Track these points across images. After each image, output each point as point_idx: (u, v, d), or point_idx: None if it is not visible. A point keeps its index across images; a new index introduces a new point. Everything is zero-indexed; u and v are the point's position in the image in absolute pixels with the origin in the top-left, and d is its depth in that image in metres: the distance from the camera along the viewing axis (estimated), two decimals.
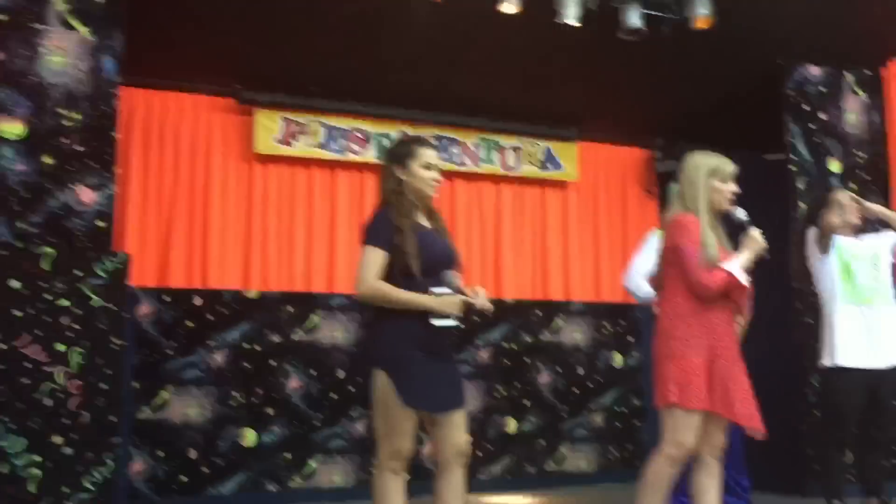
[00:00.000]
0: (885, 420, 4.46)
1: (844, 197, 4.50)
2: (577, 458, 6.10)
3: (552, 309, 6.26)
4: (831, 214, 4.43)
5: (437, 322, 2.91)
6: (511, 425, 5.97)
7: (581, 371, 6.25)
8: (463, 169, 6.19)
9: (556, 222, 6.52)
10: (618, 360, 6.34)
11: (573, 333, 6.28)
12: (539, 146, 6.41)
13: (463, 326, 3.02)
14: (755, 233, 3.27)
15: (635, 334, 6.35)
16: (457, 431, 3.10)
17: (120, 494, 4.77)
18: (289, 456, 5.28)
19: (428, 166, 3.02)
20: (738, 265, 3.22)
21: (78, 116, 3.94)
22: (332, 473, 5.36)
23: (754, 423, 3.27)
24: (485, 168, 6.26)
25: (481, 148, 6.25)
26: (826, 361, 4.42)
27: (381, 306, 2.97)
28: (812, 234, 4.47)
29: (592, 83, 5.89)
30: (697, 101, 6.07)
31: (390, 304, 2.93)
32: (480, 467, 5.82)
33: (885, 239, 4.50)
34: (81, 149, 3.92)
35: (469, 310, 3.01)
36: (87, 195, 3.88)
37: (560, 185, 6.55)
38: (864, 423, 4.43)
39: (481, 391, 5.90)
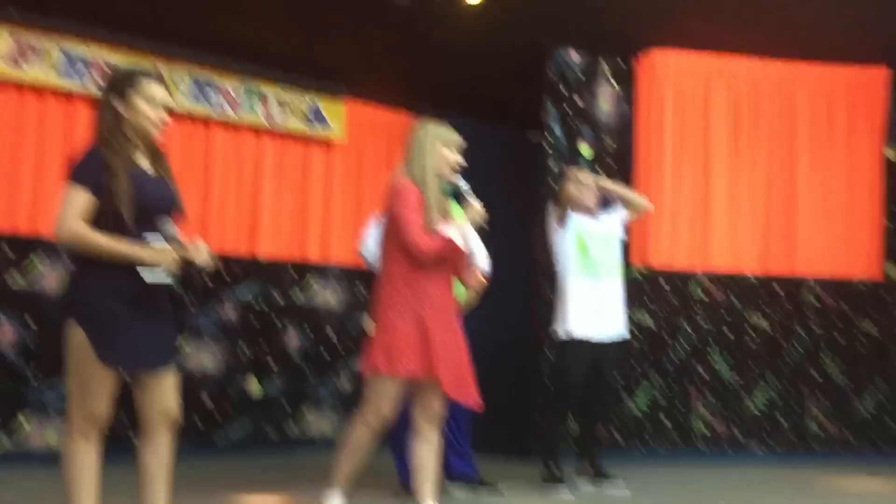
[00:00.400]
0: (605, 392, 4.79)
1: (585, 176, 4.74)
2: (322, 423, 6.02)
3: (307, 270, 6.10)
4: (571, 190, 4.66)
5: (147, 276, 2.65)
6: (254, 387, 5.77)
7: (332, 334, 6.15)
8: (222, 117, 5.82)
9: (318, 182, 6.33)
10: (371, 325, 6.29)
11: (327, 296, 6.17)
12: (305, 101, 6.17)
13: (174, 286, 2.72)
14: (475, 202, 3.38)
15: None
16: (165, 394, 2.87)
17: None
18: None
19: (153, 101, 2.73)
20: (456, 232, 3.28)
21: None
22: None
23: (463, 394, 3.36)
24: (246, 118, 5.93)
25: (243, 95, 5.91)
26: (559, 331, 4.67)
27: (84, 253, 2.67)
28: (551, 208, 4.69)
29: (364, 41, 5.76)
30: (467, 73, 6.11)
31: (93, 252, 2.64)
32: (220, 431, 5.58)
33: (616, 216, 4.81)
34: None
35: (187, 265, 2.73)
36: None
37: (325, 143, 6.37)
38: (587, 393, 4.72)
39: (224, 350, 5.64)
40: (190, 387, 5.43)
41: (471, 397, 3.39)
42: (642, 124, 6.07)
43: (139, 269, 2.65)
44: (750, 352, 5.95)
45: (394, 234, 3.33)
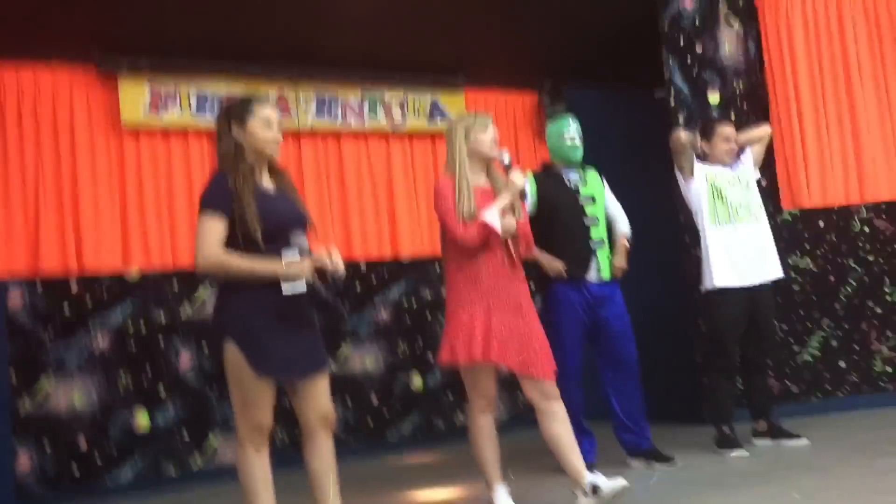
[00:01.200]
0: (764, 341, 4.57)
1: (730, 131, 4.55)
2: None
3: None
4: (714, 145, 4.51)
5: (285, 288, 2.80)
6: (417, 383, 5.93)
7: None
8: (349, 128, 6.02)
9: None
10: None
11: None
12: (425, 97, 6.28)
13: (309, 288, 2.88)
14: (514, 175, 3.37)
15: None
16: (319, 397, 3.01)
17: (7, 494, 4.60)
18: (187, 437, 5.14)
19: (268, 124, 2.88)
20: (493, 212, 3.32)
21: None
22: (234, 451, 5.22)
23: (536, 370, 3.38)
24: (371, 125, 6.10)
25: (365, 104, 6.09)
26: (706, 284, 4.52)
27: (228, 280, 2.83)
28: (675, 161, 4.55)
29: (474, 28, 5.78)
30: (581, 42, 6.02)
31: (235, 276, 2.78)
32: (389, 428, 5.78)
33: (745, 158, 4.62)
34: None
35: (321, 273, 2.89)
36: None
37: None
38: (745, 345, 4.53)
39: (383, 350, 5.83)
40: (357, 388, 5.68)
41: (539, 369, 3.38)
42: (773, 61, 5.75)
43: (280, 284, 2.80)
44: None
45: (443, 230, 3.46)
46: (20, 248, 5.01)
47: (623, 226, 4.44)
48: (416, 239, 6.22)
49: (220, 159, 2.88)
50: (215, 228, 2.76)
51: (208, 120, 5.50)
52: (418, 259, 6.11)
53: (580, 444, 4.09)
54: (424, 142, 6.37)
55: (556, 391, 3.45)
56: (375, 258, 5.99)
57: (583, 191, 4.30)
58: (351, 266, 5.80)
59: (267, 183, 2.94)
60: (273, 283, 2.81)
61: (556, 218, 4.20)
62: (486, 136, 3.45)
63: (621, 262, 4.30)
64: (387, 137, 6.22)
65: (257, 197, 2.82)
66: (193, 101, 5.46)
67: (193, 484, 5.04)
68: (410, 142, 6.32)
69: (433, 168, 6.39)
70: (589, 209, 4.28)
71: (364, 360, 5.77)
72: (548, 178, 4.34)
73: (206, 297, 5.29)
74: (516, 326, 3.38)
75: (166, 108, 5.37)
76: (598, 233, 4.28)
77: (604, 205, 4.37)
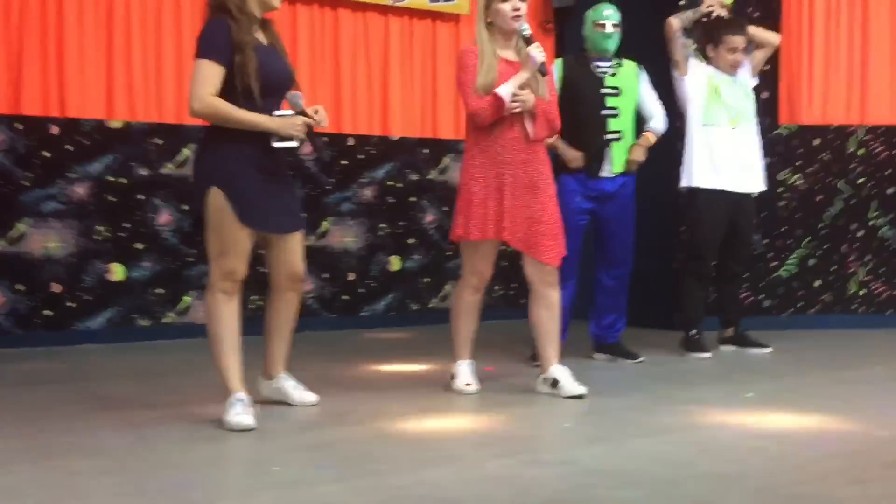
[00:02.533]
0: (741, 249, 4.59)
1: (739, 41, 4.44)
2: None
3: (440, 147, 6.13)
4: (719, 53, 4.42)
5: (277, 144, 2.86)
6: (395, 263, 5.95)
7: None
8: None
9: (447, 58, 6.27)
10: None
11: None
12: None
13: (298, 145, 2.95)
14: (533, 49, 3.25)
15: None
16: (292, 255, 3.10)
17: None
18: (161, 291, 5.17)
19: None
20: (507, 87, 3.24)
21: None
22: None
23: (535, 250, 3.35)
24: None
25: None
26: (687, 183, 4.49)
27: (216, 128, 2.85)
28: (671, 54, 4.47)
29: None
30: None
31: (228, 124, 2.81)
32: (363, 304, 5.83)
33: (745, 66, 4.56)
34: None
35: (310, 131, 2.92)
36: None
37: (452, 17, 6.27)
38: (721, 254, 4.55)
39: (364, 229, 5.82)
40: (334, 263, 5.69)
41: (546, 253, 3.36)
42: None
43: (271, 139, 2.84)
44: None
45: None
46: (1, 86, 4.88)
47: (656, 122, 4.33)
48: (408, 119, 6.11)
49: (224, 3, 2.82)
50: (212, 74, 2.77)
51: None
52: (407, 139, 6.02)
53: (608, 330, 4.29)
54: (424, 21, 6.18)
55: (555, 278, 3.46)
56: (364, 134, 5.89)
57: (609, 81, 4.21)
58: (338, 139, 5.72)
59: (261, 36, 2.93)
60: (260, 138, 2.84)
61: (575, 106, 4.11)
62: (506, 6, 3.28)
63: (638, 154, 4.23)
64: (386, 12, 6.03)
65: (256, 49, 2.81)
66: None
67: (164, 337, 5.09)
68: (410, 20, 6.14)
69: (431, 49, 6.22)
70: (611, 100, 4.19)
71: (344, 236, 5.76)
72: (577, 64, 4.26)
73: (190, 155, 5.22)
74: (528, 205, 3.34)
75: None
76: (615, 124, 4.19)
77: (634, 98, 4.27)
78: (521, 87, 3.27)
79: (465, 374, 3.54)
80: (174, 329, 5.17)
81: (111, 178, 5.03)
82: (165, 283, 5.17)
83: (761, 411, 3.11)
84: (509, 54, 3.36)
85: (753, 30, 4.59)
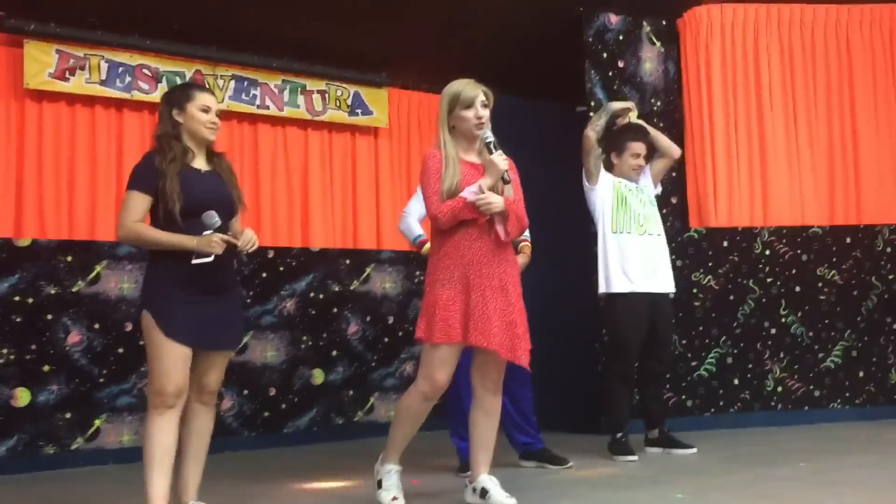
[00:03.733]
0: (661, 349, 4.66)
1: (640, 147, 4.65)
2: (387, 408, 6.03)
3: (361, 257, 6.13)
4: (623, 159, 4.61)
5: (195, 260, 2.97)
6: (318, 376, 5.82)
7: (391, 320, 6.16)
8: (266, 112, 5.90)
9: (366, 170, 6.37)
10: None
11: (383, 283, 6.18)
12: (347, 90, 6.21)
13: (212, 260, 3.01)
14: (496, 156, 3.24)
15: None
16: (210, 369, 3.17)
17: None
18: (69, 416, 4.91)
19: (205, 109, 3.11)
20: (473, 190, 3.21)
21: None
22: (119, 433, 5.03)
23: (515, 354, 3.27)
24: (290, 112, 6.00)
25: (286, 91, 5.98)
26: (603, 289, 4.59)
27: (150, 251, 3.04)
28: (584, 164, 4.63)
29: (398, 28, 5.75)
30: (505, 49, 6.05)
31: (148, 246, 3.01)
32: (286, 420, 5.65)
33: (646, 173, 4.77)
34: None
35: (233, 248, 3.05)
36: None
37: (371, 131, 6.40)
38: (643, 355, 4.61)
39: (286, 342, 5.70)
40: (256, 379, 5.53)
41: (524, 357, 3.30)
42: (690, 82, 5.89)
43: (192, 257, 2.96)
44: (821, 305, 5.71)
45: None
46: None
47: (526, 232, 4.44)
48: (328, 230, 6.12)
49: (157, 139, 3.10)
50: (137, 203, 2.98)
51: (118, 90, 5.30)
52: (328, 250, 6.01)
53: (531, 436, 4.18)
54: (343, 134, 6.29)
55: (500, 385, 3.38)
56: (284, 246, 5.86)
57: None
58: (258, 252, 5.65)
59: (201, 164, 3.14)
60: (187, 256, 2.97)
61: None
62: (468, 113, 3.24)
63: (522, 262, 4.28)
64: (305, 126, 6.12)
65: (184, 176, 3.01)
66: (104, 70, 5.26)
67: (74, 464, 4.81)
68: (329, 133, 6.24)
69: (350, 160, 6.32)
70: None
71: (265, 350, 5.63)
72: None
73: (101, 272, 5.08)
74: (499, 307, 3.23)
75: (73, 75, 5.16)
76: None
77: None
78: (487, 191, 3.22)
79: (392, 485, 3.40)
80: (83, 455, 4.89)
81: (17, 298, 4.83)
82: (74, 407, 4.92)
83: None
84: (472, 158, 3.32)
85: (657, 135, 4.83)
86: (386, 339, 6.13)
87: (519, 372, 4.28)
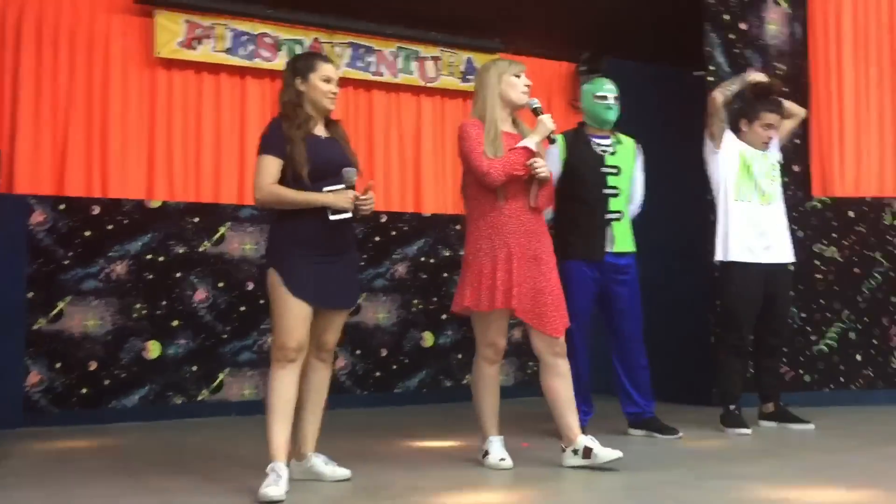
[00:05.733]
0: (778, 322, 4.52)
1: (774, 118, 4.48)
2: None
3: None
4: (753, 129, 4.46)
5: (332, 217, 3.09)
6: (428, 339, 5.93)
7: None
8: (381, 79, 6.00)
9: None
10: None
11: None
12: (460, 56, 6.23)
13: (352, 216, 3.16)
14: (545, 118, 3.41)
15: None
16: (329, 327, 3.26)
17: (16, 409, 4.68)
18: (196, 369, 5.19)
19: (327, 80, 3.20)
20: (530, 142, 3.36)
21: None
22: (241, 386, 5.29)
23: (544, 323, 3.36)
24: (403, 79, 6.07)
25: (400, 58, 6.05)
26: (722, 257, 4.47)
27: (278, 210, 3.15)
28: (707, 128, 4.50)
29: None
30: (621, 13, 5.92)
31: (286, 206, 3.12)
32: (396, 381, 5.79)
33: (774, 141, 4.59)
34: None
35: (357, 206, 3.16)
36: None
37: None
38: (759, 328, 4.48)
39: (397, 305, 5.83)
40: (367, 339, 5.69)
41: (551, 325, 3.37)
42: (818, 44, 5.62)
43: (328, 213, 3.09)
44: None
45: (467, 174, 3.46)
46: (46, 168, 5.05)
47: (633, 206, 4.38)
48: (440, 196, 6.20)
49: (282, 106, 3.21)
50: (270, 166, 3.09)
51: (241, 58, 5.50)
52: (439, 216, 6.08)
53: (579, 408, 4.12)
54: (456, 100, 6.32)
55: (563, 348, 3.44)
56: (397, 211, 5.97)
57: (609, 160, 4.25)
58: (372, 216, 5.77)
59: (321, 131, 3.25)
60: (315, 217, 3.10)
61: (576, 184, 4.17)
62: (519, 82, 3.46)
63: None
64: (418, 92, 6.19)
65: (308, 141, 3.13)
66: (228, 39, 5.46)
67: (198, 415, 5.10)
68: (442, 99, 6.29)
69: None
70: (611, 179, 4.23)
71: (377, 312, 5.78)
72: (577, 140, 4.29)
73: (226, 233, 5.32)
74: (533, 277, 3.38)
75: (200, 44, 5.37)
76: (616, 204, 4.23)
77: (630, 177, 4.31)
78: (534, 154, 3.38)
79: (497, 449, 3.48)
80: (208, 406, 5.17)
81: (149, 257, 5.12)
82: (200, 361, 5.19)
83: (806, 487, 3.01)
84: (508, 127, 3.47)
85: (786, 104, 4.64)
86: None
87: (628, 345, 4.26)
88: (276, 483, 2.89)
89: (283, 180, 3.10)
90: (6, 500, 2.99)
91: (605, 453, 3.30)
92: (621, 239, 4.23)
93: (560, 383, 3.42)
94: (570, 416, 3.41)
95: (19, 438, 4.31)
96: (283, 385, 3.06)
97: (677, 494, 2.93)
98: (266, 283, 3.14)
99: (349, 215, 3.12)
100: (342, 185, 3.11)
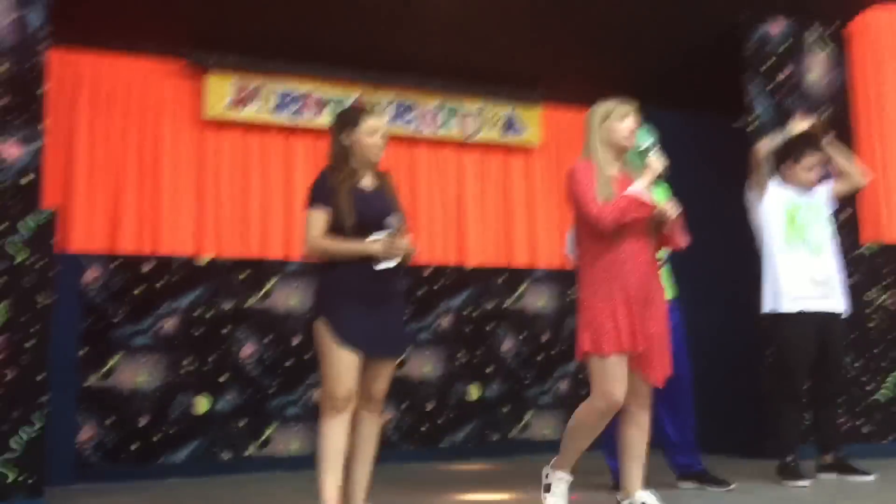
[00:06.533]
0: (834, 371, 4.42)
1: (812, 161, 4.44)
2: (542, 426, 6.03)
3: (515, 275, 6.18)
4: (795, 171, 4.42)
5: (380, 266, 3.14)
6: (474, 392, 5.90)
7: (545, 338, 6.17)
8: (423, 135, 6.09)
9: (520, 188, 6.43)
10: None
11: (537, 300, 6.21)
12: (501, 110, 6.31)
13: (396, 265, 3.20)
14: (653, 157, 3.34)
15: None
16: (377, 377, 3.26)
17: (68, 465, 4.73)
18: (243, 424, 5.21)
19: (373, 133, 3.25)
20: (638, 188, 3.25)
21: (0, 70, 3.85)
22: (288, 441, 5.29)
23: (650, 372, 3.27)
24: (445, 134, 6.16)
25: (441, 113, 6.15)
26: (769, 307, 4.40)
27: (321, 262, 3.20)
28: (750, 178, 4.47)
29: (554, 44, 5.79)
30: (663, 62, 5.97)
31: (334, 257, 3.16)
32: (443, 435, 5.75)
33: (823, 188, 4.53)
34: (4, 103, 3.83)
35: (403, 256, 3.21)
36: (9, 151, 3.79)
37: (524, 150, 6.46)
38: (815, 375, 4.39)
39: (442, 358, 5.82)
40: (413, 393, 5.68)
41: (654, 373, 3.29)
42: (860, 89, 5.60)
43: (374, 263, 3.13)
44: None
45: (578, 217, 3.37)
46: (100, 226, 5.18)
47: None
48: (483, 249, 6.22)
49: (330, 159, 3.28)
50: (318, 219, 3.18)
51: (287, 117, 5.63)
52: (482, 269, 6.10)
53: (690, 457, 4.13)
54: (497, 154, 6.39)
55: (650, 399, 3.35)
56: (440, 265, 6.00)
57: None
58: (415, 269, 5.82)
59: (368, 183, 3.29)
60: (362, 265, 3.14)
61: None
62: (623, 125, 3.36)
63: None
64: (460, 147, 6.26)
65: (354, 194, 3.19)
66: (274, 99, 5.60)
67: (246, 470, 5.10)
68: (483, 153, 6.35)
69: (503, 180, 6.39)
70: None
71: (422, 365, 5.77)
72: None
73: (273, 288, 5.39)
74: (644, 321, 3.26)
75: (247, 104, 5.52)
76: (660, 252, 4.19)
77: None
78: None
79: (560, 493, 3.38)
80: (255, 462, 5.18)
81: (197, 313, 5.19)
82: (248, 416, 5.22)
83: None
84: (615, 171, 3.37)
85: (845, 159, 4.55)
86: (540, 357, 6.14)
87: (675, 392, 4.18)
88: None
89: (329, 231, 3.16)
90: None
91: None
92: (667, 286, 4.18)
93: (638, 434, 3.33)
94: (635, 468, 3.34)
95: (72, 495, 4.35)
96: (334, 435, 3.07)
97: None
98: (314, 334, 3.16)
99: (394, 264, 3.16)
100: (384, 233, 3.15)
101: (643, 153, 3.37)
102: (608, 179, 3.30)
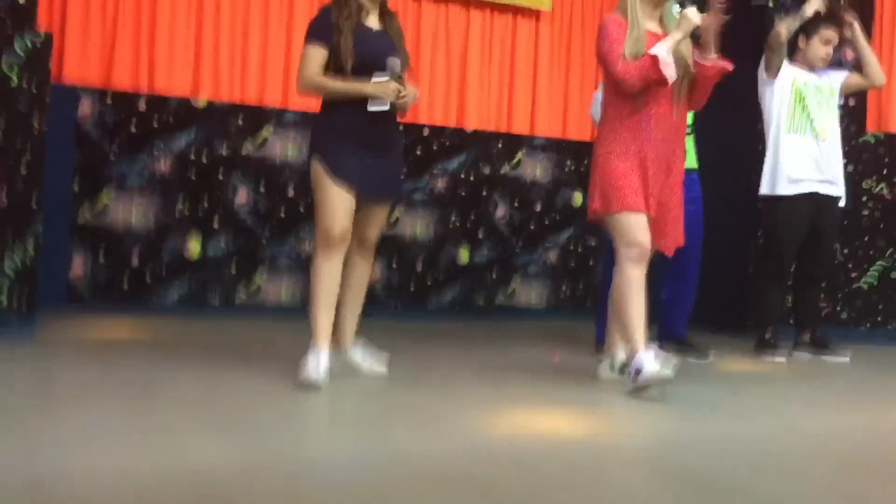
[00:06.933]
0: (822, 254, 4.46)
1: (832, 35, 4.32)
2: (528, 293, 6.12)
3: (514, 142, 6.12)
4: (812, 45, 4.31)
5: (371, 107, 3.05)
6: (463, 256, 5.95)
7: (538, 207, 6.18)
8: None
9: (527, 53, 6.28)
10: (578, 199, 6.25)
11: (534, 169, 6.17)
12: None
13: (389, 108, 3.11)
14: (688, 11, 3.15)
15: None
16: (371, 221, 3.27)
17: (60, 294, 4.78)
18: (235, 270, 5.26)
19: None
20: (663, 47, 3.09)
21: None
22: (278, 291, 5.35)
23: (661, 240, 3.23)
24: None
25: None
26: (769, 187, 4.40)
27: (323, 101, 3.13)
28: (764, 56, 4.38)
29: None
30: None
31: (328, 94, 3.09)
32: (429, 296, 5.83)
33: (837, 76, 4.44)
34: None
35: (399, 97, 3.09)
36: None
37: (533, 13, 6.27)
38: (802, 258, 4.44)
39: (435, 220, 5.83)
40: (403, 252, 5.72)
41: (665, 242, 3.27)
42: None
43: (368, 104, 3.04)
44: None
45: (606, 75, 3.26)
46: (94, 59, 5.05)
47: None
48: (483, 112, 6.13)
49: None
50: (315, 55, 3.07)
51: None
52: (482, 132, 6.03)
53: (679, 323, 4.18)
54: (505, 15, 6.20)
55: (645, 264, 3.24)
56: (439, 125, 5.93)
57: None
58: (413, 129, 5.75)
59: (373, 23, 3.16)
60: (359, 105, 3.06)
61: None
62: None
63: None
64: (467, 4, 6.07)
65: (357, 32, 3.07)
66: None
67: (234, 315, 5.18)
68: (491, 13, 6.16)
69: (510, 43, 6.23)
70: None
71: (414, 225, 5.79)
72: None
73: (269, 136, 5.32)
74: (660, 188, 3.21)
75: None
76: (689, 116, 4.12)
77: None
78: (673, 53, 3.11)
79: (651, 361, 3.05)
80: (245, 308, 5.25)
81: (192, 156, 5.14)
82: (239, 263, 5.26)
83: (841, 411, 3.01)
84: (653, 26, 3.23)
85: (867, 52, 4.42)
86: (532, 226, 6.16)
87: (688, 265, 4.20)
88: (316, 368, 2.95)
89: (327, 70, 3.07)
90: (57, 373, 3.08)
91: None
92: (690, 155, 4.13)
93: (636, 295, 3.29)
94: (616, 328, 3.36)
95: (63, 320, 4.41)
96: (327, 274, 3.08)
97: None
98: (310, 173, 3.13)
99: (387, 107, 3.07)
100: (386, 76, 3.06)
101: (683, 3, 3.21)
102: (641, 35, 3.15)
